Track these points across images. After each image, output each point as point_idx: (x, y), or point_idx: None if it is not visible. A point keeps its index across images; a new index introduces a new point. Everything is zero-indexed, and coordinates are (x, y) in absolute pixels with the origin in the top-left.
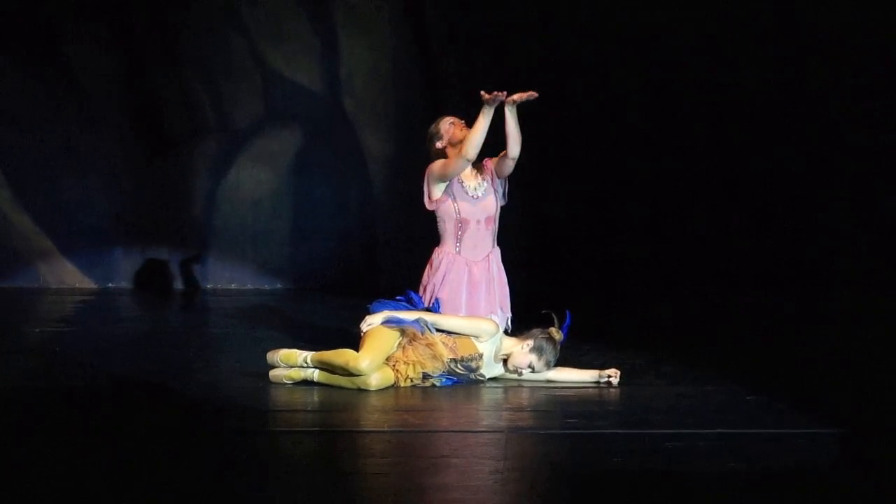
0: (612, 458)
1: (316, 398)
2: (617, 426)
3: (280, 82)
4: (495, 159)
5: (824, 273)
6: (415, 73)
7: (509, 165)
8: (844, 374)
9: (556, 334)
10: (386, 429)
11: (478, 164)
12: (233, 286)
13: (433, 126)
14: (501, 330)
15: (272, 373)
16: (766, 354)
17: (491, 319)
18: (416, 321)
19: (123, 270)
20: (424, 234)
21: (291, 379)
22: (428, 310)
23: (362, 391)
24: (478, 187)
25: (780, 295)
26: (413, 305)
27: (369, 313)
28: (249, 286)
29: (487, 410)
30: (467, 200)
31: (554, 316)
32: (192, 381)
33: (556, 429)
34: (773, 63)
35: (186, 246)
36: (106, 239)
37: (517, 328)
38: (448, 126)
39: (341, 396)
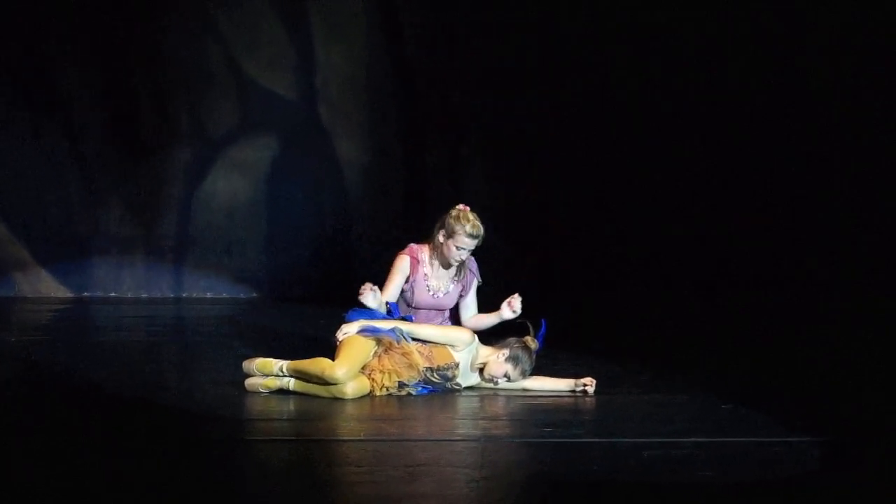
0: (588, 466)
1: (292, 407)
2: (593, 435)
3: (256, 91)
4: (471, 292)
5: (805, 279)
6: (390, 82)
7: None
8: (821, 383)
9: (532, 343)
10: (362, 437)
11: (461, 268)
12: (208, 295)
13: (454, 218)
14: (476, 340)
15: (248, 381)
16: (742, 363)
17: (467, 329)
18: (392, 330)
19: (99, 279)
20: (400, 243)
21: (267, 388)
22: (403, 319)
23: (338, 400)
24: (441, 288)
25: (758, 302)
26: (389, 315)
27: (345, 322)
28: (225, 295)
29: (463, 419)
30: (426, 296)
31: (529, 325)
32: (168, 389)
33: (532, 437)
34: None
35: (162, 254)
36: (82, 248)
37: (494, 338)
38: (455, 240)
39: (317, 405)
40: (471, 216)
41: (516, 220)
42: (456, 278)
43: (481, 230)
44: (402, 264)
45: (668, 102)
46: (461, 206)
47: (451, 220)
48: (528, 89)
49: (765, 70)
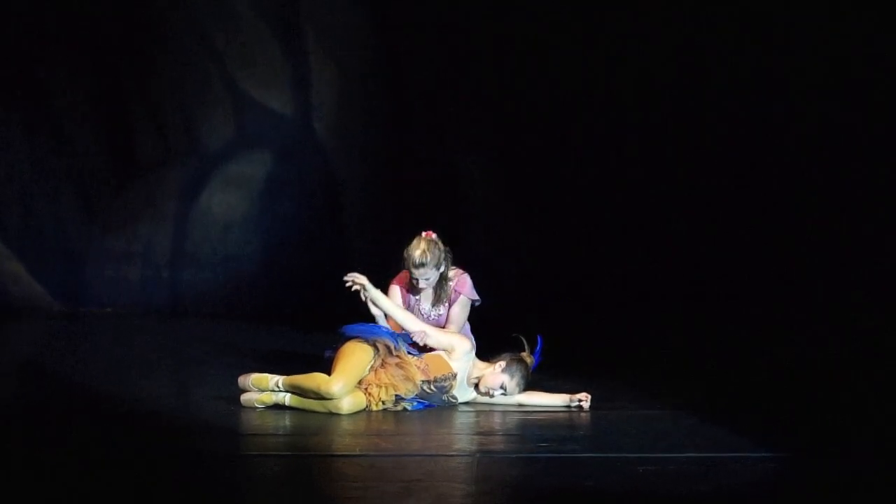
0: (584, 481)
1: (287, 422)
2: (588, 450)
3: (251, 107)
4: (462, 297)
5: (795, 289)
6: (385, 98)
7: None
8: (818, 397)
9: (528, 357)
10: (358, 453)
11: (445, 290)
12: (203, 310)
13: (406, 248)
14: (474, 350)
15: (243, 397)
16: (738, 376)
17: (466, 338)
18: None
19: (94, 294)
20: (396, 259)
21: (263, 403)
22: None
23: (334, 415)
24: (432, 311)
25: (752, 315)
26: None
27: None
28: (220, 309)
29: (459, 434)
30: (420, 317)
31: (524, 340)
32: (163, 405)
33: (527, 453)
34: (751, 70)
35: (157, 269)
36: (76, 262)
37: (489, 353)
38: (406, 269)
39: (313, 420)
40: (422, 244)
41: (511, 235)
42: (442, 304)
43: (427, 258)
44: (395, 293)
45: (659, 113)
46: (422, 234)
47: (405, 250)
48: (523, 105)
49: (756, 77)
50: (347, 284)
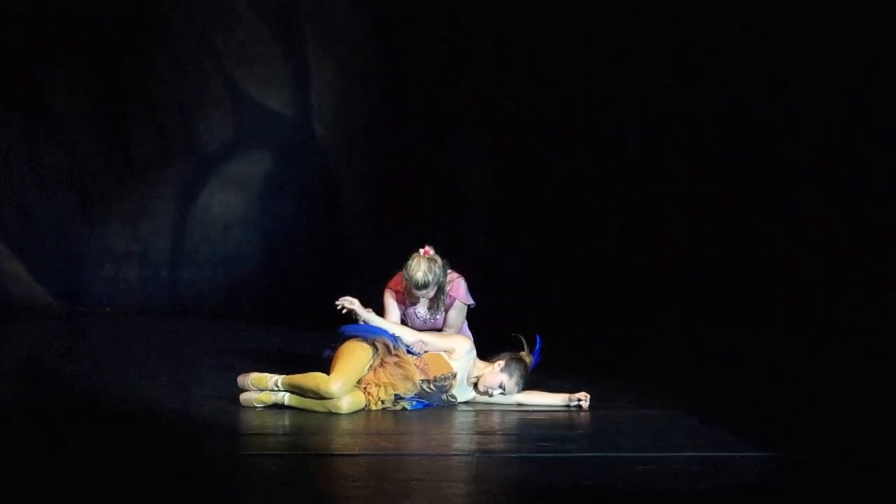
0: (583, 481)
1: (287, 422)
2: (587, 449)
3: (251, 107)
4: (457, 302)
5: (795, 289)
6: (385, 98)
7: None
8: (818, 397)
9: (527, 357)
10: (357, 452)
11: (440, 296)
12: (203, 310)
13: (406, 267)
14: (474, 349)
15: (243, 396)
16: (738, 376)
17: (466, 337)
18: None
19: (93, 293)
20: (396, 259)
21: (262, 402)
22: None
23: (333, 415)
24: (428, 316)
25: (751, 314)
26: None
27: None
28: (220, 309)
29: (458, 434)
30: (419, 324)
31: (523, 339)
32: (163, 404)
33: (526, 452)
34: (751, 70)
35: (157, 269)
36: (76, 262)
37: (488, 353)
38: (408, 288)
39: (312, 420)
40: (423, 265)
41: (511, 235)
42: (438, 308)
43: (429, 278)
44: (391, 298)
45: (659, 113)
46: (421, 250)
47: (405, 269)
48: (523, 105)
49: (756, 77)
50: (339, 308)
